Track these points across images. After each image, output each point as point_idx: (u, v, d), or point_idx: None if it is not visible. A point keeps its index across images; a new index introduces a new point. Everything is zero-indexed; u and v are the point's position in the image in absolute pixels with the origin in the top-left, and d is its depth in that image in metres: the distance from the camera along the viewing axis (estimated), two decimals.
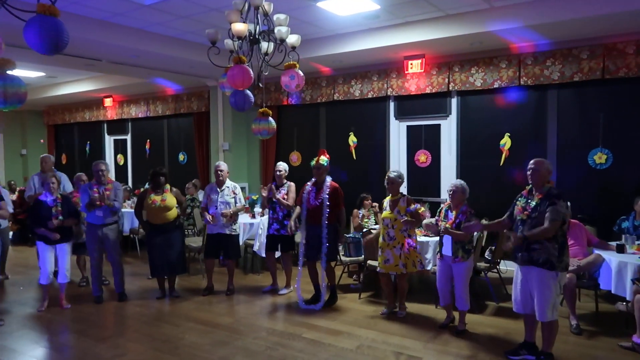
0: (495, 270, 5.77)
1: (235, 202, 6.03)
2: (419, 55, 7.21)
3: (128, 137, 11.85)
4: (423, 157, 7.65)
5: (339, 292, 5.96)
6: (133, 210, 6.63)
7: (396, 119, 7.89)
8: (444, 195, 7.05)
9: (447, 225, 4.59)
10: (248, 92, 4.59)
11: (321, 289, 5.59)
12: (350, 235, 6.31)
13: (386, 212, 5.15)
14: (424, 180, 7.70)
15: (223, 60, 4.50)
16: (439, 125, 7.56)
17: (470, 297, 4.72)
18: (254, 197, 7.94)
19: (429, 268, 5.55)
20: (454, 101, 7.40)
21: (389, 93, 7.68)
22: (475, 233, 4.81)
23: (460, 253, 4.55)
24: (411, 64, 7.31)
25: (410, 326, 4.90)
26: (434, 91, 7.32)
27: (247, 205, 7.96)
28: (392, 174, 5.17)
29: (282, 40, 4.43)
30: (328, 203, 5.41)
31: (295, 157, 8.94)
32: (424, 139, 7.68)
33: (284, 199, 5.86)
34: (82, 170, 8.62)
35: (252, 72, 4.32)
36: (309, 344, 4.46)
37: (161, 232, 5.78)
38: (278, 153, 9.17)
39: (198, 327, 4.90)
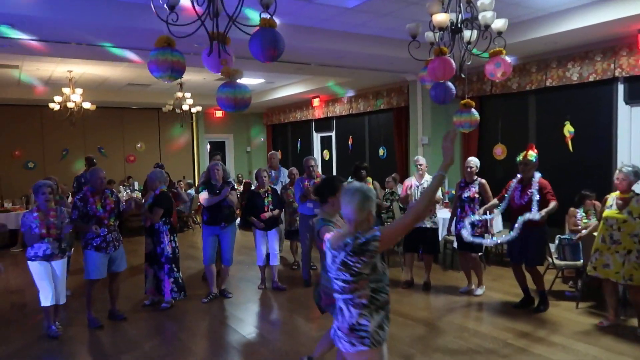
0: None
1: None
2: None
3: (333, 134, 12.67)
4: None
5: (552, 299, 5.39)
6: None
7: (627, 103, 6.72)
8: None
9: None
10: (449, 84, 4.45)
11: (530, 293, 5.15)
12: (565, 236, 5.63)
13: (612, 211, 4.45)
14: None
15: (423, 54, 4.44)
16: None
17: None
18: (454, 192, 7.68)
19: None
20: None
21: (617, 74, 6.58)
22: None
23: None
24: None
25: None
26: None
27: (447, 200, 7.79)
28: (625, 169, 4.44)
29: (487, 27, 4.17)
30: (538, 199, 4.91)
31: (500, 150, 8.37)
32: None
33: (474, 197, 5.53)
34: (294, 165, 9.51)
35: (453, 63, 4.18)
36: (516, 352, 4.13)
37: None
38: (480, 146, 8.71)
39: (398, 319, 4.97)
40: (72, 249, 5.71)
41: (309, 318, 5.17)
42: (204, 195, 5.66)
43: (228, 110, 3.34)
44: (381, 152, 10.92)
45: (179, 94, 10.31)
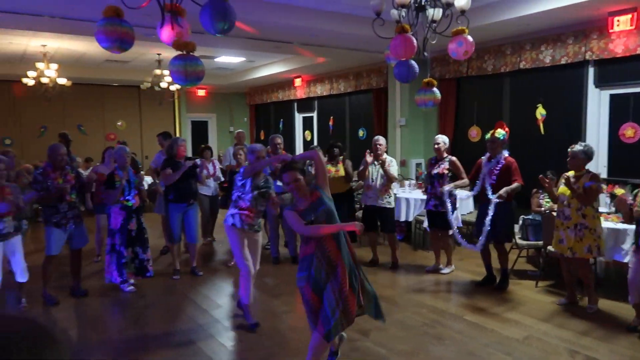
0: None
1: None
2: (629, 9, 6.01)
3: (314, 115, 12.64)
4: (630, 132, 6.44)
5: (514, 278, 5.50)
6: None
7: (596, 87, 6.78)
8: None
9: None
10: (412, 62, 4.46)
11: (493, 271, 5.27)
12: (529, 217, 5.72)
13: (563, 188, 4.54)
14: (631, 158, 6.49)
15: (391, 32, 4.43)
16: None
17: None
18: (426, 171, 7.74)
19: (625, 260, 4.73)
20: None
21: (587, 57, 6.62)
22: None
23: None
24: (617, 20, 6.15)
25: (594, 323, 4.27)
26: None
27: (420, 181, 7.85)
28: (575, 148, 4.51)
29: (449, 5, 4.17)
30: (493, 180, 5.03)
31: (475, 132, 8.41)
32: (632, 110, 6.46)
33: (442, 173, 5.58)
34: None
35: (415, 41, 4.17)
36: (469, 327, 4.23)
37: (334, 201, 6.04)
38: (456, 128, 8.75)
39: None
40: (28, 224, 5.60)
41: (274, 294, 5.23)
42: (167, 172, 5.55)
43: (180, 83, 3.33)
44: (361, 133, 10.91)
45: (157, 71, 10.20)
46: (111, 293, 5.28)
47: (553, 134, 7.25)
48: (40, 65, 9.04)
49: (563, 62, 6.89)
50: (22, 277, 4.66)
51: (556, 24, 6.73)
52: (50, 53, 9.20)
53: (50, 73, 9.10)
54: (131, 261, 5.28)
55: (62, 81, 9.35)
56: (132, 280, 5.41)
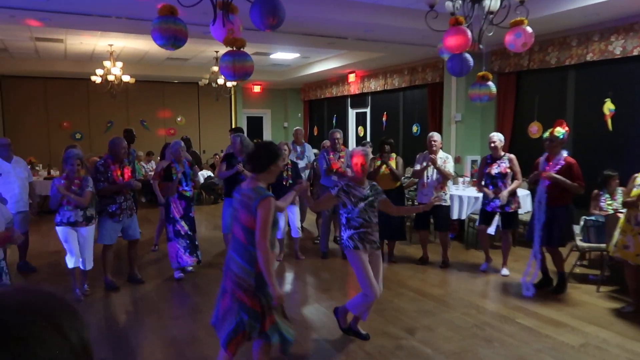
0: None
1: None
2: None
3: (368, 110, 12.55)
4: None
5: (573, 282, 5.23)
6: None
7: None
8: None
9: None
10: (466, 55, 4.31)
11: (549, 274, 5.03)
12: (591, 218, 5.40)
13: (637, 191, 4.22)
14: None
15: (445, 25, 4.31)
16: None
17: None
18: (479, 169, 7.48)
19: None
20: None
21: None
22: None
23: None
24: None
25: None
26: None
27: (475, 179, 7.60)
28: None
29: None
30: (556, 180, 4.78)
31: (536, 128, 8.04)
32: None
33: (505, 172, 5.40)
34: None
35: (469, 34, 4.04)
36: (522, 330, 4.06)
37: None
38: (515, 124, 8.40)
39: (408, 294, 4.98)
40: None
41: (324, 289, 5.26)
42: (222, 168, 5.80)
43: (229, 78, 3.39)
44: (415, 129, 10.72)
45: (215, 68, 10.47)
46: (166, 281, 5.50)
47: (622, 131, 6.80)
48: (106, 63, 9.54)
49: (635, 53, 6.44)
50: (86, 265, 4.96)
51: (629, 12, 6.30)
52: (116, 52, 9.68)
53: (115, 71, 9.57)
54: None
55: (126, 78, 9.82)
56: (191, 268, 5.63)
